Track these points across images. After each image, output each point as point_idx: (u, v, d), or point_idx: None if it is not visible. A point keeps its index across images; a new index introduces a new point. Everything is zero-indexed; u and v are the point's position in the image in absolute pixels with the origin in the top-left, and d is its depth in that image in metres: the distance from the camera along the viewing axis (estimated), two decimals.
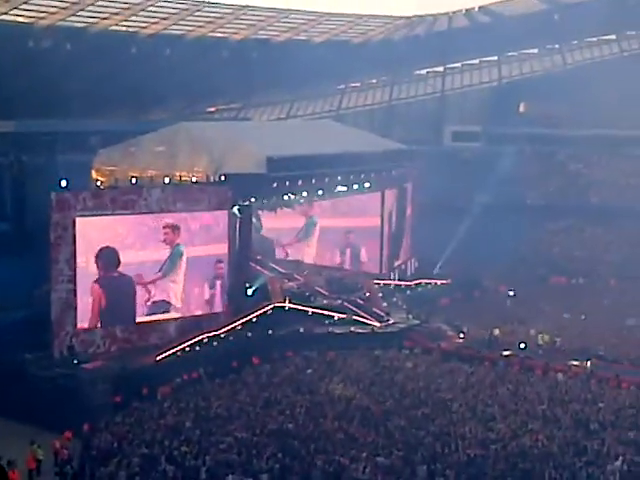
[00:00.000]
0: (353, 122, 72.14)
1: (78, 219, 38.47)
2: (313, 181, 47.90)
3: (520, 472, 28.17)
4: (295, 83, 70.42)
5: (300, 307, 44.94)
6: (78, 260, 38.48)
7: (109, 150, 47.00)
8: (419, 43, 74.47)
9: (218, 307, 43.50)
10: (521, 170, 69.36)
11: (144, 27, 59.48)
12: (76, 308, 38.51)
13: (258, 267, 47.57)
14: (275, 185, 45.58)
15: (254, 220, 47.47)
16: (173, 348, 39.02)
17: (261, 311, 43.36)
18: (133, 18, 57.72)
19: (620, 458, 28.85)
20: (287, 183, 46.26)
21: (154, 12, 57.93)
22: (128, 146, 46.70)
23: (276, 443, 30.05)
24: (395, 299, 50.79)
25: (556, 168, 71.86)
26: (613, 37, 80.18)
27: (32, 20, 53.76)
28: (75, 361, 37.08)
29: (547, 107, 75.31)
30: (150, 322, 41.08)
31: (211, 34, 63.29)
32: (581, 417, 33.16)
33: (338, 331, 44.58)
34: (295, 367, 39.73)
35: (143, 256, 41.11)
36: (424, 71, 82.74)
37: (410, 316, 47.78)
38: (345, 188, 50.44)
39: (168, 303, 42.06)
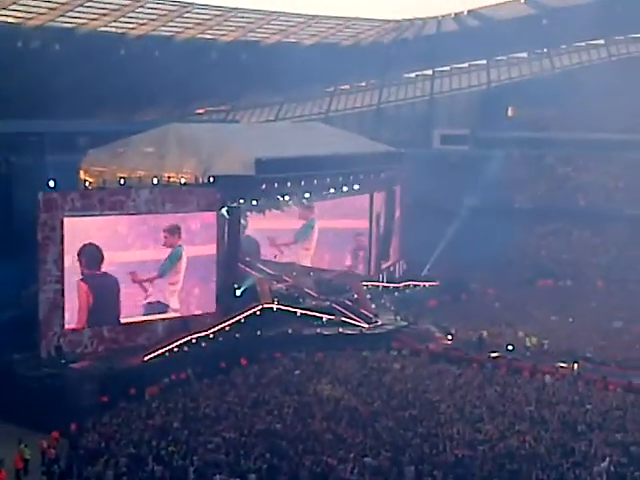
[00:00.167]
0: (342, 124, 72.24)
1: (73, 219, 38.48)
2: (302, 183, 47.98)
3: (507, 473, 28.24)
4: (284, 85, 70.49)
5: (289, 308, 44.88)
6: (67, 260, 38.42)
7: (98, 151, 46.97)
8: (408, 46, 74.75)
9: None
10: (509, 173, 69.70)
11: (133, 28, 59.40)
12: (64, 308, 38.43)
13: (247, 268, 47.49)
14: (264, 187, 45.64)
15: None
16: (161, 348, 38.96)
17: (250, 312, 43.31)
18: (122, 19, 57.62)
19: (607, 459, 28.92)
20: (276, 185, 46.33)
21: (143, 13, 57.88)
22: (117, 147, 46.71)
23: (264, 443, 30.05)
24: (383, 301, 50.85)
25: (544, 171, 72.11)
26: (601, 42, 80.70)
27: (21, 20, 53.61)
28: (63, 361, 37.06)
29: (536, 111, 75.59)
30: (138, 322, 41.02)
31: (200, 36, 63.28)
32: (568, 419, 33.24)
33: (326, 332, 44.57)
34: (283, 368, 39.71)
35: (142, 256, 41.28)
36: (413, 74, 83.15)
37: (398, 318, 47.82)
38: (333, 190, 50.49)
39: (164, 304, 42.14)
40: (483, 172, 65.07)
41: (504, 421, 32.79)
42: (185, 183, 43.61)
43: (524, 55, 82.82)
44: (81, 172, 45.72)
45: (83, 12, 55.04)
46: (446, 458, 29.21)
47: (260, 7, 62.86)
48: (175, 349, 39.50)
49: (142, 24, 59.23)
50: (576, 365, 40.33)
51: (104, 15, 56.25)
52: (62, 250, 38.22)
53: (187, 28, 61.87)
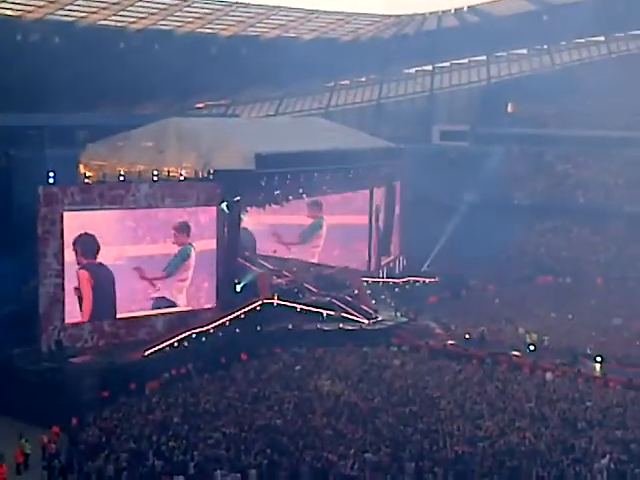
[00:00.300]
0: (342, 120, 72.11)
1: (73, 213, 38.41)
2: (301, 178, 47.89)
3: (507, 469, 28.32)
4: (284, 80, 70.50)
5: (289, 304, 44.83)
6: (67, 254, 38.39)
7: (97, 145, 46.86)
8: (408, 42, 74.75)
9: None
10: (509, 170, 69.70)
11: (133, 22, 59.35)
12: (64, 302, 38.37)
13: (247, 263, 47.43)
14: (264, 182, 45.54)
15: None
16: (161, 343, 38.88)
17: (250, 307, 43.25)
18: (122, 13, 57.57)
19: (607, 456, 29.01)
20: (275, 180, 46.22)
21: (143, 7, 57.85)
22: (116, 141, 46.59)
23: (264, 439, 30.08)
24: (383, 296, 50.74)
25: (544, 168, 72.02)
26: (601, 39, 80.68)
27: (20, 13, 53.51)
28: (63, 355, 36.93)
29: (535, 107, 75.55)
30: (139, 317, 40.97)
31: (200, 30, 63.24)
32: (568, 416, 33.26)
33: (326, 328, 44.48)
34: (283, 363, 39.69)
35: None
36: (413, 70, 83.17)
37: (398, 314, 47.77)
38: (333, 185, 50.40)
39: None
40: (482, 168, 65.10)
41: (504, 418, 32.80)
42: (185, 177, 43.53)
43: (524, 51, 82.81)
44: (81, 166, 45.59)
45: (83, 5, 55.10)
46: (446, 454, 29.26)
47: (260, 2, 62.93)
48: (175, 344, 39.42)
49: (142, 18, 59.18)
50: (598, 366, 40.27)
51: (104, 9, 56.28)
52: (62, 244, 38.17)
53: (187, 22, 61.84)
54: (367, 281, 51.44)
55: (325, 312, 45.37)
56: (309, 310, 45.23)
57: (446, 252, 57.67)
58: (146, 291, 41.47)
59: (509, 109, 79.68)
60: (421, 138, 74.38)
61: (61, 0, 53.20)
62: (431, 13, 73.82)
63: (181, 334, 39.85)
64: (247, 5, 61.89)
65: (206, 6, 60.27)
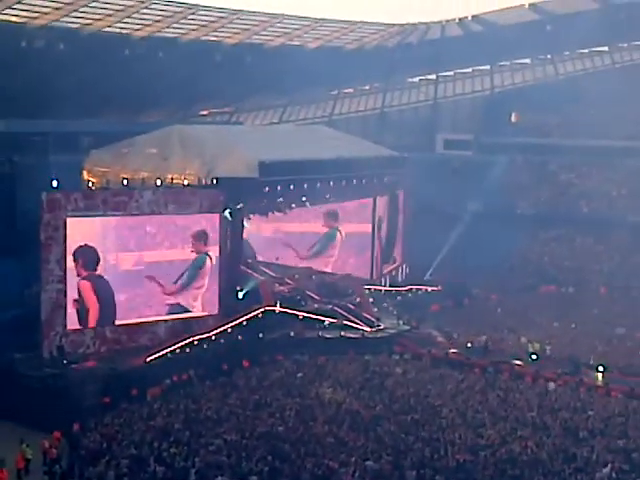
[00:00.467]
0: (345, 128, 72.16)
1: (76, 219, 38.49)
2: (305, 186, 47.93)
3: (509, 478, 28.30)
4: (288, 88, 70.51)
5: (291, 311, 44.81)
6: (70, 261, 38.42)
7: (101, 151, 46.96)
8: (412, 51, 74.80)
9: None
10: (512, 179, 69.72)
11: (137, 29, 59.41)
12: (66, 308, 38.38)
13: (249, 270, 47.43)
14: (267, 189, 45.61)
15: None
16: (163, 350, 38.87)
17: (252, 314, 43.23)
18: (126, 20, 57.64)
19: (609, 466, 28.95)
20: (279, 188, 46.29)
21: (147, 15, 57.88)
22: (120, 147, 46.70)
23: (266, 446, 30.04)
24: (386, 305, 50.70)
25: (547, 178, 72.02)
26: (605, 49, 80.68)
27: (25, 20, 53.62)
28: (65, 361, 36.89)
29: (539, 117, 75.59)
30: (140, 324, 40.98)
31: (205, 38, 63.28)
32: (570, 425, 33.22)
33: (328, 335, 44.42)
34: (285, 371, 39.67)
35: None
36: (417, 79, 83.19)
37: (400, 322, 47.71)
38: (337, 194, 50.44)
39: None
40: (486, 177, 65.11)
41: (506, 426, 32.75)
42: (188, 184, 43.59)
43: (528, 61, 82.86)
44: (84, 172, 45.72)
45: (88, 12, 55.01)
46: (448, 463, 29.20)
47: (265, 10, 62.94)
48: (177, 350, 39.40)
49: (147, 25, 59.24)
50: (600, 375, 40.19)
51: (109, 15, 56.24)
52: (65, 250, 38.16)
53: (191, 30, 61.90)
54: (370, 289, 51.49)
55: (327, 320, 45.35)
56: (311, 318, 45.23)
57: (449, 261, 57.67)
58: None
59: (513, 118, 79.75)
60: (425, 147, 74.39)
61: (66, 7, 53.34)
62: (435, 22, 73.89)
63: (183, 340, 39.83)
64: (252, 13, 61.99)
65: (211, 14, 60.30)
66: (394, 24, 72.80)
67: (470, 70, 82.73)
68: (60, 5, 52.96)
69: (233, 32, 64.44)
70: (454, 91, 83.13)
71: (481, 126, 77.56)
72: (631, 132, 69.68)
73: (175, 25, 60.52)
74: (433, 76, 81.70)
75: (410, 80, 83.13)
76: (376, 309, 48.79)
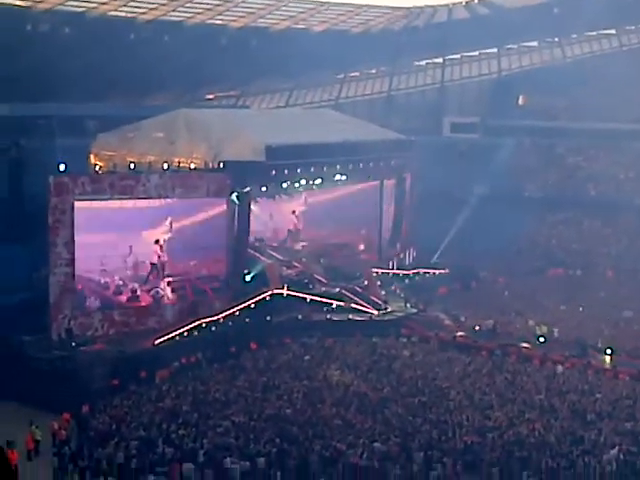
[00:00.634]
0: (352, 112, 71.81)
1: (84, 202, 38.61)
2: (312, 170, 47.87)
3: (517, 460, 28.33)
4: (294, 72, 70.32)
5: (298, 294, 44.84)
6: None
7: (108, 135, 46.94)
8: (419, 34, 74.44)
9: None
10: (520, 162, 69.38)
11: (143, 13, 59.33)
12: (74, 291, 38.43)
13: (256, 253, 47.45)
14: (274, 173, 45.55)
15: None
16: (172, 332, 38.96)
17: (259, 297, 43.29)
18: (132, 4, 57.59)
19: (616, 448, 28.98)
20: (286, 171, 46.22)
21: None
22: (127, 131, 46.67)
23: (273, 428, 30.18)
24: (393, 288, 50.72)
25: (555, 161, 71.71)
26: (613, 31, 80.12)
27: (30, 4, 53.56)
28: (73, 344, 37.05)
29: (546, 100, 75.25)
30: (148, 306, 41.09)
31: (210, 21, 63.15)
32: (578, 407, 33.26)
33: (336, 318, 44.52)
34: (293, 353, 39.77)
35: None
36: (423, 62, 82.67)
37: (408, 305, 47.78)
38: (344, 177, 50.38)
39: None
40: (493, 160, 64.76)
41: (513, 409, 32.84)
42: (195, 168, 43.56)
43: (535, 44, 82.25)
44: (91, 156, 45.72)
45: None
46: (455, 444, 29.32)
47: None
48: (185, 333, 39.52)
49: (152, 9, 59.15)
50: (608, 358, 40.15)
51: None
52: (72, 233, 38.25)
53: (197, 13, 61.78)
54: (377, 272, 51.42)
55: (335, 303, 45.39)
56: (319, 300, 45.27)
57: (456, 244, 57.49)
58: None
59: (520, 101, 79.34)
60: (431, 130, 73.99)
61: None
62: (442, 5, 73.51)
63: (191, 323, 39.93)
64: None
65: None
66: (400, 7, 72.56)
67: (477, 53, 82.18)
68: None
69: (238, 15, 64.30)
70: (461, 74, 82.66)
71: (488, 109, 77.15)
72: (639, 115, 69.26)
73: (180, 9, 60.45)
74: (440, 59, 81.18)
75: (417, 63, 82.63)
76: (383, 292, 48.84)
